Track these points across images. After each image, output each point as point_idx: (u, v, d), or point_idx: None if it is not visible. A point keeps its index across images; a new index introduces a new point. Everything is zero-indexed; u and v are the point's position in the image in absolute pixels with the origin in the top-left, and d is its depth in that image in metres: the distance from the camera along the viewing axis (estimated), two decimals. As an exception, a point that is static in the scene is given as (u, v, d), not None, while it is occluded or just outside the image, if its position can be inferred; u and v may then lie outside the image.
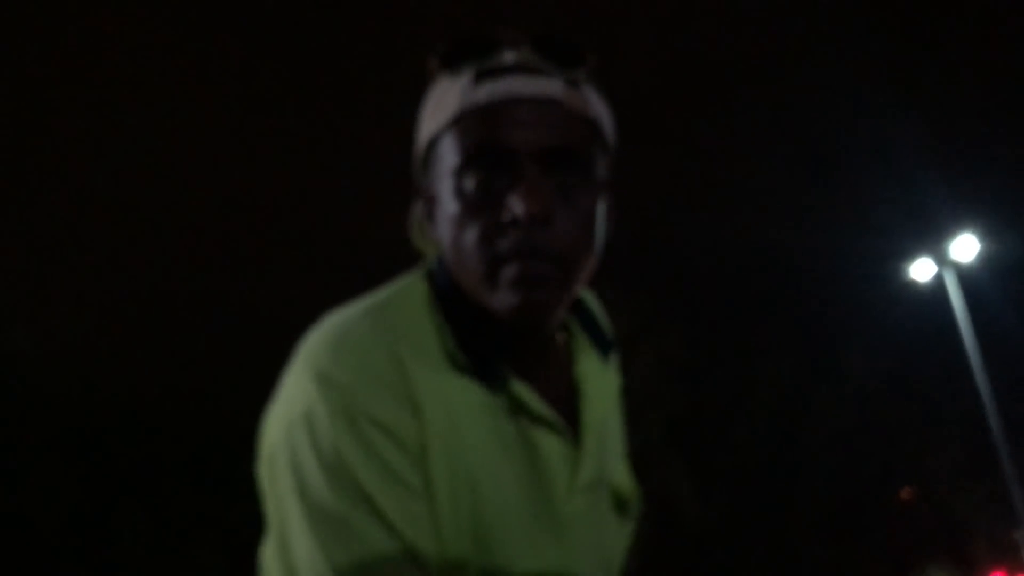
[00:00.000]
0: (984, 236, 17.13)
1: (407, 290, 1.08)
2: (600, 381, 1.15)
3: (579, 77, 1.04)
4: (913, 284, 18.05)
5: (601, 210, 1.05)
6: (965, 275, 16.98)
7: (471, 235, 0.99)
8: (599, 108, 1.07)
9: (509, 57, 1.02)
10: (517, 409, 1.04)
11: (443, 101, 1.04)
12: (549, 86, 1.02)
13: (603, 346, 1.18)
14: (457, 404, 1.00)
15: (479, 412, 1.02)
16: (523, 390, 1.04)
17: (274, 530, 0.99)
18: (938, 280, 17.10)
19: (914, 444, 22.34)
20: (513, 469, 1.02)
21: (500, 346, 1.05)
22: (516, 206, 0.96)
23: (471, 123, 1.00)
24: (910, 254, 17.80)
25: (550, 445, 1.05)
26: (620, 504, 1.18)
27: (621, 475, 1.20)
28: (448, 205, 1.01)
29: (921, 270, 17.48)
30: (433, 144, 1.05)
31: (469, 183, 1.00)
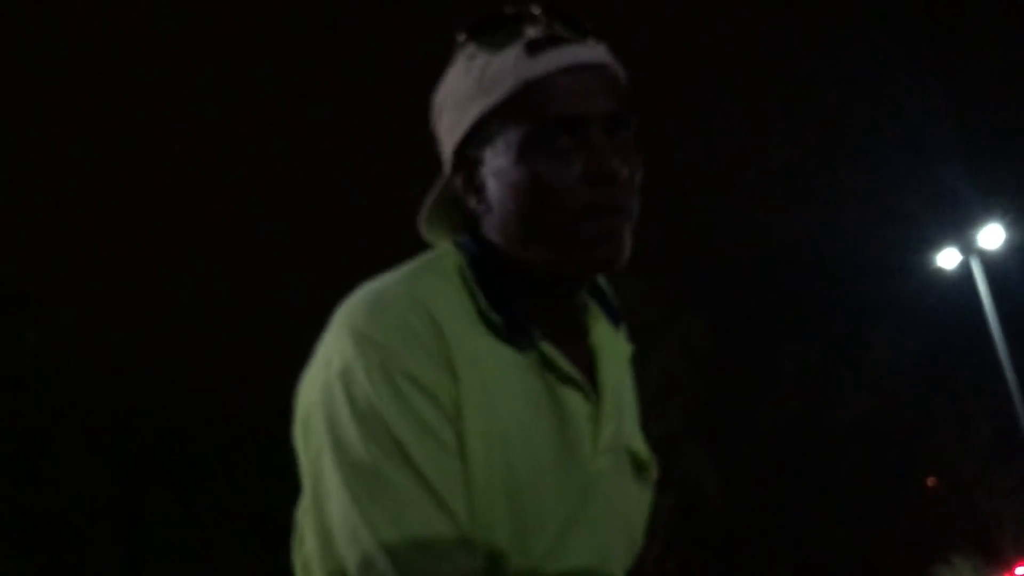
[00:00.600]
0: (1011, 224, 16.98)
1: (439, 258, 1.12)
2: (614, 347, 1.19)
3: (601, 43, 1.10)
4: (939, 272, 17.89)
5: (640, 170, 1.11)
6: (992, 264, 16.81)
7: (547, 197, 1.04)
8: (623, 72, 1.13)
9: (534, 31, 1.07)
10: (545, 369, 1.08)
11: (492, 76, 1.07)
12: (598, 53, 1.08)
13: (614, 316, 1.23)
14: (490, 363, 1.04)
15: (511, 371, 1.06)
16: (551, 350, 1.08)
17: (308, 489, 1.02)
18: (964, 269, 16.93)
19: (940, 433, 22.16)
20: (543, 427, 1.06)
21: (529, 309, 1.09)
22: (590, 166, 1.03)
23: (534, 94, 1.05)
24: (936, 242, 17.64)
25: (576, 404, 1.10)
26: (639, 468, 1.22)
27: (638, 440, 1.24)
28: (515, 173, 1.05)
29: (947, 258, 17.30)
30: (487, 119, 1.08)
31: (543, 148, 1.04)
